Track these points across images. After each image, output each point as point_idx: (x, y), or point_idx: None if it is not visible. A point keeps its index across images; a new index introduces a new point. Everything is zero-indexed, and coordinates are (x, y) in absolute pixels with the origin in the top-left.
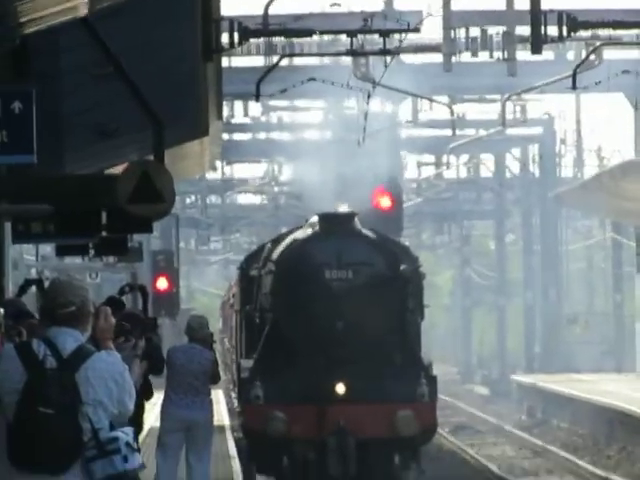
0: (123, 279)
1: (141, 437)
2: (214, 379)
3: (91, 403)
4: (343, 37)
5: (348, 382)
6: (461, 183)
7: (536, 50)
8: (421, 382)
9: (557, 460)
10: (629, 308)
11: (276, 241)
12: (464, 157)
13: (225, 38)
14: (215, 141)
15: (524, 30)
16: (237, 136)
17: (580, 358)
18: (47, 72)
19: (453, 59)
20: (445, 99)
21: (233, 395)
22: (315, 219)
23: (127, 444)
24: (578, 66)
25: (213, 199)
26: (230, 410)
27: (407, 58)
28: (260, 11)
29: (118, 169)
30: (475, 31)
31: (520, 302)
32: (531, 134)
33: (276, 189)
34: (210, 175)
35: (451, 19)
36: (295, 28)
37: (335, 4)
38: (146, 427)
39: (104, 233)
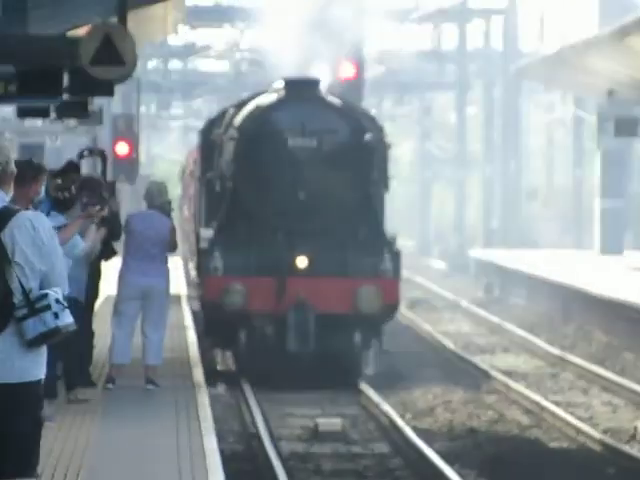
0: (83, 143)
1: (97, 304)
2: (172, 247)
3: (19, 263)
4: None
5: (309, 255)
6: (423, 54)
7: None
8: (385, 257)
9: (513, 338)
10: (589, 184)
11: (239, 106)
12: (427, 27)
13: None
14: (179, 5)
15: None
16: (201, 0)
17: (539, 233)
18: None
19: None
20: None
21: (191, 265)
22: (280, 84)
23: (57, 301)
24: None
25: (175, 64)
26: (187, 280)
27: None
28: None
29: (81, 31)
30: None
31: (479, 175)
32: (495, 7)
33: (238, 55)
34: (173, 40)
35: None
36: None
37: None
38: (102, 295)
39: (65, 95)
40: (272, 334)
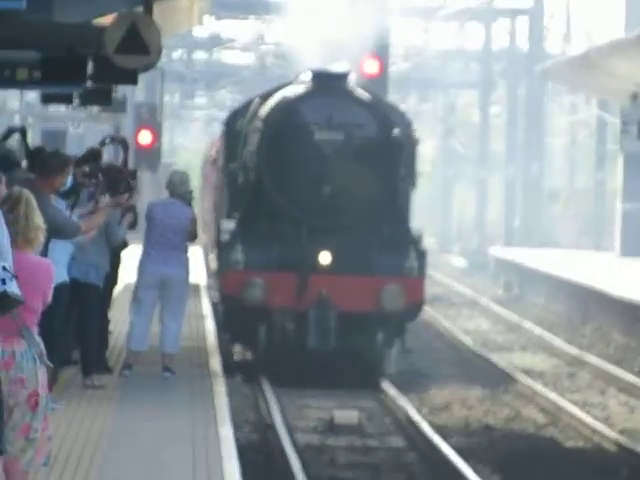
0: (106, 130)
1: (116, 292)
2: (192, 237)
3: None
4: None
5: (333, 251)
6: (448, 52)
7: None
8: (410, 255)
9: (531, 336)
10: (610, 186)
11: (265, 97)
12: (453, 25)
13: None
14: None
15: None
16: None
17: (559, 234)
18: None
19: None
20: None
21: (211, 257)
22: (307, 76)
23: (4, 268)
24: None
25: (200, 55)
26: (207, 270)
27: None
28: None
29: (107, 19)
30: None
31: (502, 175)
32: (520, 7)
33: (263, 48)
34: (198, 31)
35: None
36: None
37: None
38: (121, 283)
39: (89, 83)
40: (292, 331)
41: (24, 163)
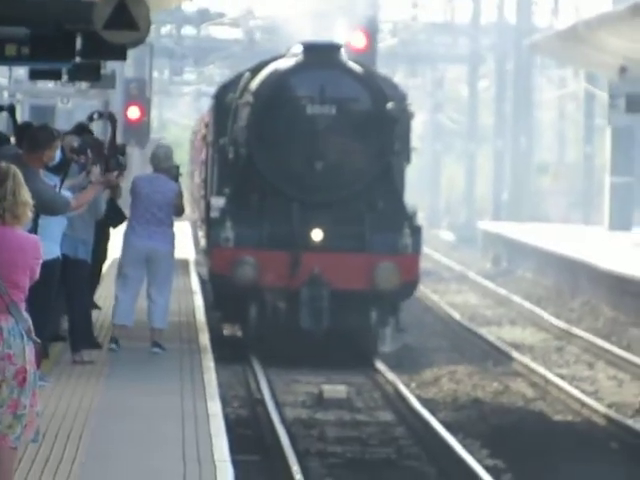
0: (95, 106)
1: (105, 267)
2: (178, 212)
3: None
4: None
5: (325, 228)
6: (437, 26)
7: None
8: (405, 232)
9: (520, 310)
10: (599, 160)
11: (255, 70)
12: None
13: None
14: None
15: None
16: None
17: (548, 208)
18: None
19: None
20: None
21: (200, 234)
22: (298, 49)
23: None
24: None
25: (189, 31)
26: (196, 247)
27: None
28: None
29: None
30: None
31: (490, 149)
32: None
33: (252, 23)
34: (186, 6)
35: None
36: None
37: None
38: (110, 257)
39: (78, 58)
40: (284, 310)
41: (12, 140)
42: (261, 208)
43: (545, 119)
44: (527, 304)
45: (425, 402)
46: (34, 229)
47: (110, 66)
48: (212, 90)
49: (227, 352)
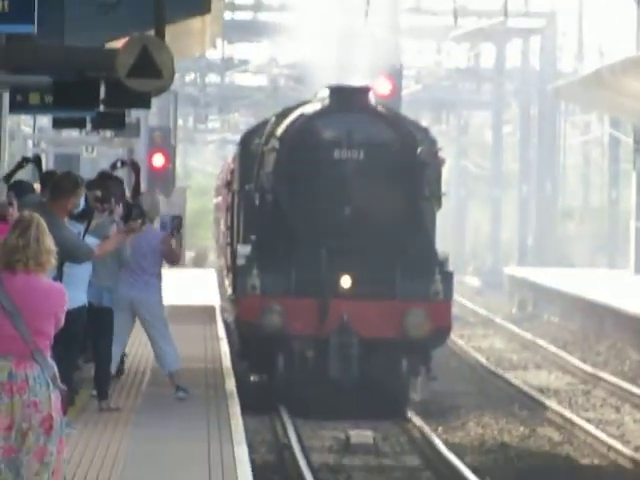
0: (119, 154)
1: None
2: (170, 259)
3: None
4: None
5: (354, 275)
6: (461, 72)
7: None
8: (435, 278)
9: (546, 355)
10: (624, 205)
11: (281, 115)
12: (465, 46)
13: None
14: (217, 19)
15: None
16: (239, 15)
17: (573, 253)
18: None
19: None
20: None
21: (227, 282)
22: (325, 92)
23: None
24: None
25: (212, 78)
26: (221, 295)
27: None
28: None
29: (119, 43)
30: None
31: (515, 194)
32: (533, 26)
33: (276, 71)
34: (210, 54)
35: None
36: None
37: None
38: None
39: (102, 107)
40: (313, 359)
41: (38, 188)
42: (288, 255)
43: (570, 164)
44: (553, 348)
45: (452, 446)
46: (59, 277)
47: (134, 114)
48: (236, 138)
49: (254, 400)
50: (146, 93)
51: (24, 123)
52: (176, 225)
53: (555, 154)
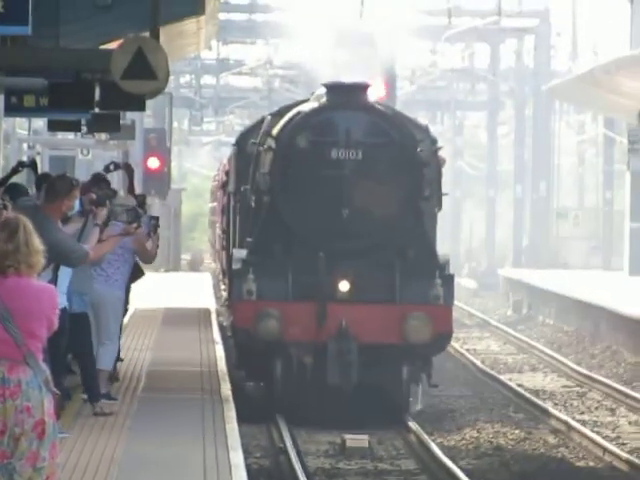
0: (115, 157)
1: (125, 319)
2: (144, 257)
3: None
4: None
5: (353, 278)
6: (455, 72)
7: None
8: (436, 282)
9: (541, 357)
10: (619, 205)
11: (277, 114)
12: (459, 46)
13: None
14: (211, 20)
15: None
16: (234, 16)
17: (568, 253)
18: None
19: None
20: None
21: (222, 286)
22: (322, 91)
23: None
24: None
25: (207, 80)
26: (217, 299)
27: None
28: None
29: (113, 45)
30: None
31: (510, 195)
32: (527, 26)
33: (271, 72)
34: (205, 55)
35: None
36: None
37: None
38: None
39: (97, 109)
40: (311, 365)
41: (33, 191)
42: (285, 258)
43: (564, 164)
44: (548, 350)
45: (447, 450)
46: (54, 280)
47: (129, 117)
48: (232, 140)
49: (251, 409)
50: (141, 95)
51: (19, 126)
52: (153, 225)
53: (550, 154)
